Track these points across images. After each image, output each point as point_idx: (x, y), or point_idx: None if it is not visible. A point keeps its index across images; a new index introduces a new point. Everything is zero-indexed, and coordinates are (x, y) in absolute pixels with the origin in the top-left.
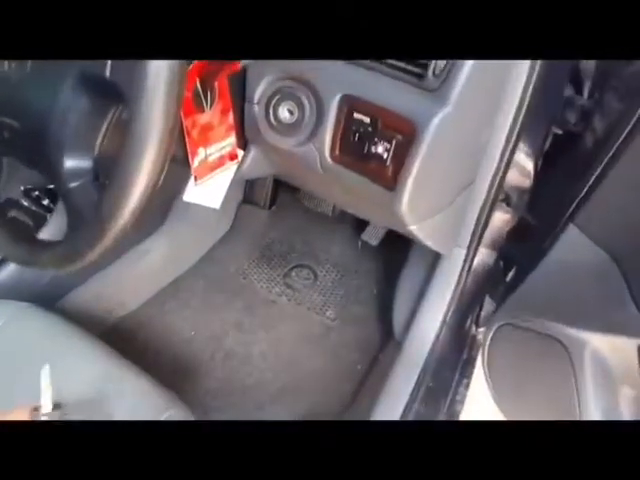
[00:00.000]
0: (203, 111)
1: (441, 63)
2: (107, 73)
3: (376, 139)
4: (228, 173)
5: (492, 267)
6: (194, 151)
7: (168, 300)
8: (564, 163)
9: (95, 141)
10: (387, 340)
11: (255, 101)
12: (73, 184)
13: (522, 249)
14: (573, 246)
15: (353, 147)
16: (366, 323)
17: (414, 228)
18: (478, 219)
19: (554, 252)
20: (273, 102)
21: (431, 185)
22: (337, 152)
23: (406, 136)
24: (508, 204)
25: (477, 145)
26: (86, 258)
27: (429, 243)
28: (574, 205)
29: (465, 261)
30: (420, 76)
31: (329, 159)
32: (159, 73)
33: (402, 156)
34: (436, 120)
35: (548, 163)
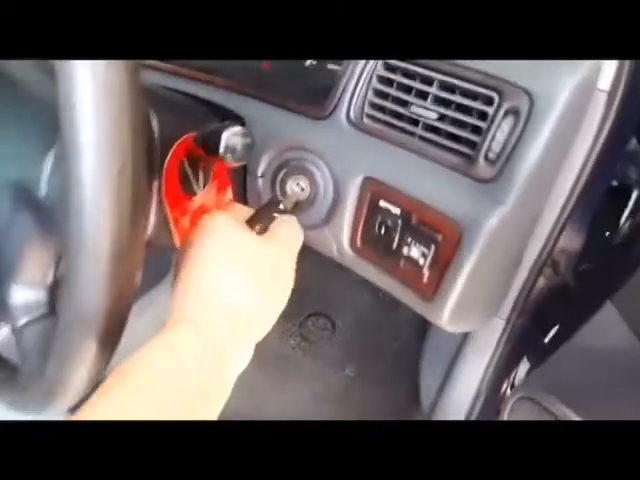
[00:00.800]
0: (194, 195)
1: (496, 145)
2: (42, 193)
3: (409, 238)
4: None
5: (531, 328)
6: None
7: None
8: (615, 226)
9: (48, 269)
10: (412, 402)
11: (259, 174)
12: (23, 320)
13: (564, 313)
14: (608, 328)
15: (379, 241)
16: (389, 382)
17: (450, 328)
18: (521, 291)
19: (587, 330)
20: (280, 175)
21: (479, 292)
22: (358, 244)
23: (449, 239)
24: (555, 270)
25: (534, 230)
26: (35, 412)
27: (464, 330)
28: (614, 280)
29: (504, 331)
30: (468, 157)
31: (348, 250)
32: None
33: (444, 264)
34: (490, 224)
35: (602, 223)
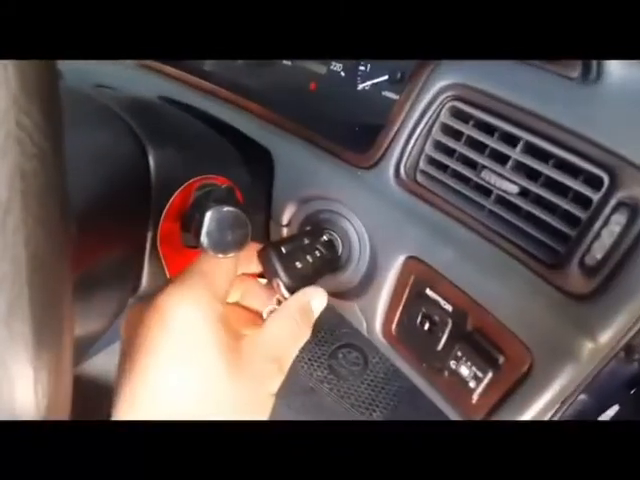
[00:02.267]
0: (198, 247)
1: (599, 249)
2: None
3: (459, 351)
4: None
5: (587, 409)
6: None
7: None
8: None
9: None
10: None
11: (283, 222)
12: None
13: (628, 395)
14: None
15: (419, 336)
16: None
17: None
18: (587, 377)
19: None
20: (308, 227)
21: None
22: (393, 331)
23: (514, 365)
24: (628, 355)
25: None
26: None
27: None
28: None
29: (557, 411)
30: (555, 256)
31: (380, 335)
32: None
33: (502, 393)
34: (573, 360)
35: None
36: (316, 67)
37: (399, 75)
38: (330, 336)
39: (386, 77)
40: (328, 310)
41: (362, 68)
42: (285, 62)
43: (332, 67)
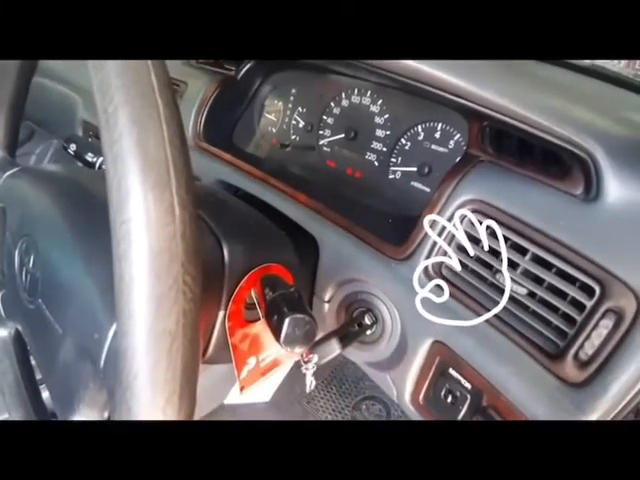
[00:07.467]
0: (256, 321)
1: (590, 347)
2: (100, 364)
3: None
4: (283, 369)
5: None
6: (242, 362)
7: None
8: None
9: (104, 405)
10: None
11: (326, 299)
12: None
13: None
14: None
15: (443, 407)
16: None
17: None
18: None
19: None
20: (346, 305)
21: None
22: (420, 401)
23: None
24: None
25: None
26: None
27: None
28: None
29: None
30: (556, 347)
31: (408, 403)
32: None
33: None
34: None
35: None
36: (351, 155)
37: (427, 169)
38: (354, 388)
39: (415, 169)
40: (354, 364)
41: (393, 160)
42: (325, 149)
43: (367, 157)
